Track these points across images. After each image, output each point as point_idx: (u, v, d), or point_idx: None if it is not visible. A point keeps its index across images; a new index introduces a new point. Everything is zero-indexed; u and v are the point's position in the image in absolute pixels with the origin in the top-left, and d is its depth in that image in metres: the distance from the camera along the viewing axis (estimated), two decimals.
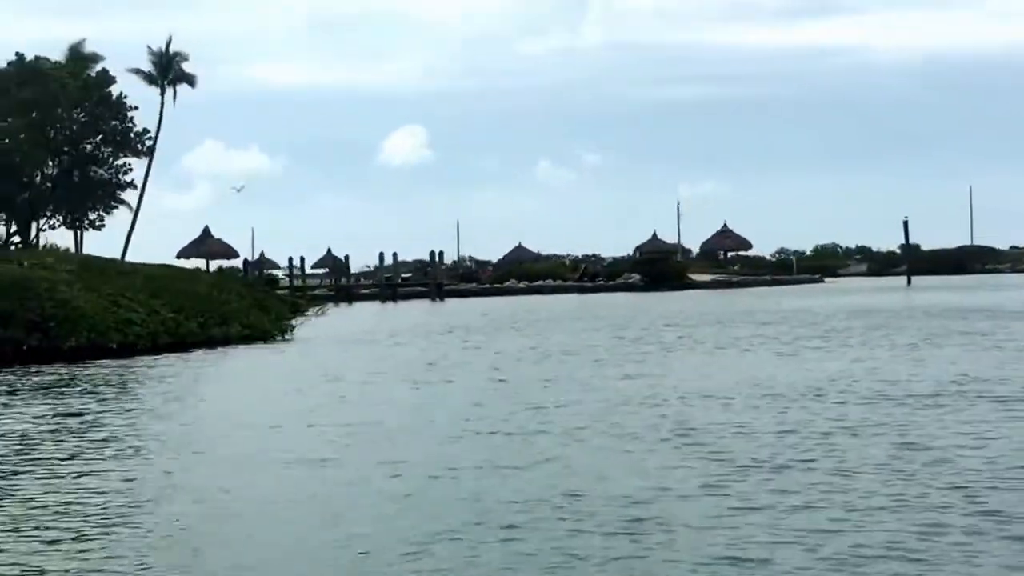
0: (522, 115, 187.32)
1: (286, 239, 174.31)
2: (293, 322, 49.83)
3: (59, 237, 71.99)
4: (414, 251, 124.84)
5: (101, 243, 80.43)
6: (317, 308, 66.91)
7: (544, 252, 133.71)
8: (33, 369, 26.29)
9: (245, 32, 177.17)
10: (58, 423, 16.46)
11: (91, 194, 69.91)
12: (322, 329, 45.56)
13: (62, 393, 20.79)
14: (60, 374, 25.04)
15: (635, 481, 11.10)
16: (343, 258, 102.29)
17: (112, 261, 49.03)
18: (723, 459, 12.16)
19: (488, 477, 11.52)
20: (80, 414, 17.45)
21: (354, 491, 11.02)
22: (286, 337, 38.22)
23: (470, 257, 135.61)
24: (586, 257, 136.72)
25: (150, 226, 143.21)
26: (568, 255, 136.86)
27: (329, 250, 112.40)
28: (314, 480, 11.65)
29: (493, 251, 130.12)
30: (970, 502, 9.77)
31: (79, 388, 21.61)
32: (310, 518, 9.97)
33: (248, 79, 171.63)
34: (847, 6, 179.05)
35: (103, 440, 14.63)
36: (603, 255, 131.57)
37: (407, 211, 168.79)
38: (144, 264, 60.76)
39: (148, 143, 71.32)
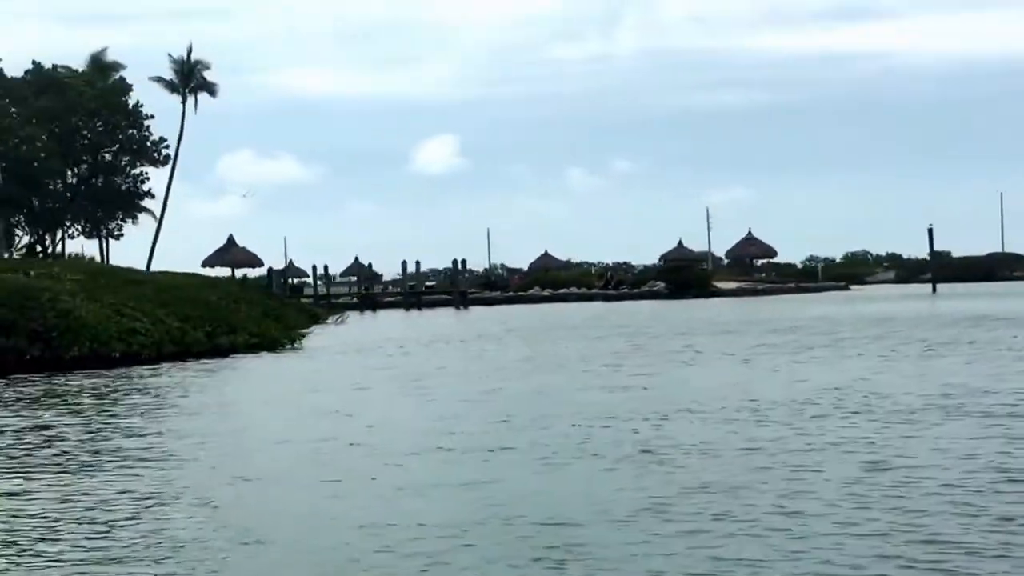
0: (554, 122, 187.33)
1: (319, 247, 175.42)
2: (310, 330, 49.93)
3: (87, 246, 72.54)
4: (447, 259, 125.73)
5: (128, 251, 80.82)
6: (337, 316, 67.32)
7: (575, 260, 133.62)
8: (26, 379, 26.09)
9: (277, 41, 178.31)
10: (15, 438, 16.13)
11: (109, 203, 70.08)
12: (336, 338, 45.47)
13: (40, 405, 20.51)
14: (50, 384, 24.84)
15: (576, 503, 10.64)
16: (367, 265, 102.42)
17: (126, 270, 49.08)
18: (676, 480, 11.69)
19: (422, 499, 11.07)
20: (45, 428, 17.14)
21: (270, 515, 10.57)
22: (294, 346, 37.88)
23: (502, 265, 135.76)
24: (617, 265, 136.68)
25: (183, 234, 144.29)
26: (599, 262, 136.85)
27: (356, 258, 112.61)
28: (234, 501, 11.21)
29: (525, 259, 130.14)
30: (914, 529, 9.21)
31: (58, 400, 21.35)
32: (212, 544, 9.57)
33: (281, 88, 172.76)
34: (876, 11, 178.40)
35: (50, 456, 14.28)
36: (634, 263, 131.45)
37: (439, 219, 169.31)
38: (165, 273, 61.33)
39: (165, 152, 71.51)
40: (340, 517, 10.38)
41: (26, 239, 69.37)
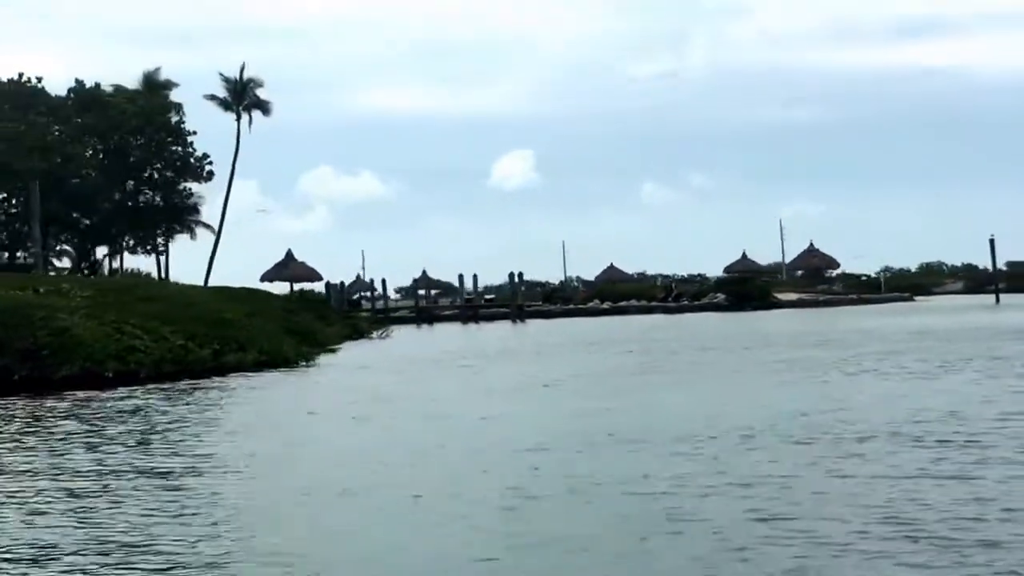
0: (627, 137, 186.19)
1: (395, 262, 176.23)
2: (340, 346, 49.03)
3: (144, 262, 72.40)
4: (525, 272, 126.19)
5: (190, 266, 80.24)
6: (381, 331, 66.49)
7: (650, 272, 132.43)
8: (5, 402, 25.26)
9: (357, 59, 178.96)
10: None
11: (152, 220, 69.77)
12: (367, 354, 44.56)
13: None
14: (16, 407, 23.97)
15: (392, 561, 9.34)
16: (423, 276, 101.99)
17: (147, 286, 48.30)
18: (527, 532, 10.11)
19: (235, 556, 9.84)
20: None
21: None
22: (308, 364, 36.85)
23: (577, 277, 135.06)
24: (691, 277, 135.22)
25: (260, 249, 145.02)
26: (674, 274, 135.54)
27: (424, 272, 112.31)
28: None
29: (599, 272, 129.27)
30: None
31: None
32: None
33: (361, 106, 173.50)
34: (943, 27, 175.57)
35: None
36: (709, 275, 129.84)
37: (515, 233, 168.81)
38: (222, 287, 60.75)
39: (209, 168, 71.14)
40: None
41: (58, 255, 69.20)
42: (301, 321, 48.66)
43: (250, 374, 32.30)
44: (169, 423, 20.40)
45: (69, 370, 29.92)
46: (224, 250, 75.04)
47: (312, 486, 13.16)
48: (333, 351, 45.44)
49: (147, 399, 25.32)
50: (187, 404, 24.14)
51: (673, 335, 48.88)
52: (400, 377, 30.29)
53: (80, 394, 26.70)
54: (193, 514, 11.69)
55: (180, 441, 17.84)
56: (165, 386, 28.50)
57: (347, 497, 12.49)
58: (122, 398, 25.62)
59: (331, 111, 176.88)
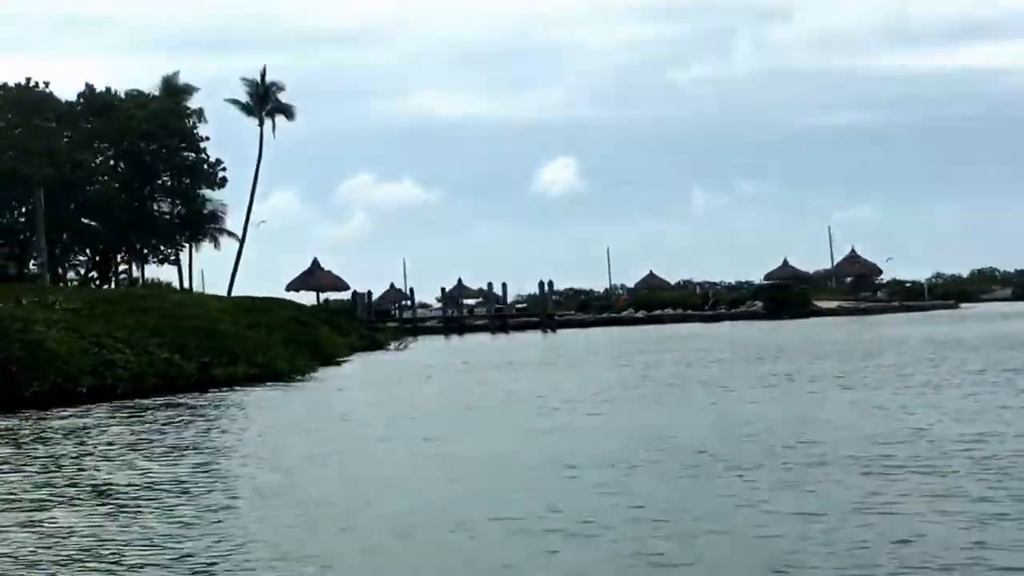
0: (672, 144, 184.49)
1: (437, 270, 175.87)
2: (348, 359, 47.73)
3: (166, 272, 71.65)
4: (567, 280, 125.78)
5: (223, 275, 79.00)
6: (399, 342, 65.37)
7: (697, 280, 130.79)
8: None
9: (399, 65, 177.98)
10: None
11: (168, 228, 68.74)
12: (374, 366, 43.49)
13: None
14: None
15: None
16: (457, 287, 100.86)
17: (142, 297, 46.87)
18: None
19: None
20: None
21: None
22: (303, 378, 35.50)
23: (622, 285, 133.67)
24: (738, 284, 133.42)
25: (299, 256, 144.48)
26: (721, 282, 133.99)
27: (460, 280, 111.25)
28: None
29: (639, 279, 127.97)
30: None
31: None
32: None
33: (402, 111, 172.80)
34: (996, 29, 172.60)
35: None
36: (755, 282, 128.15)
37: (560, 241, 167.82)
38: (244, 297, 59.64)
39: (222, 174, 69.90)
40: None
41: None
42: (308, 332, 47.35)
43: (235, 389, 31.04)
44: (95, 446, 18.97)
45: (39, 386, 28.66)
46: (259, 258, 74.54)
47: (170, 524, 11.71)
48: (339, 363, 44.20)
49: (99, 418, 23.99)
50: (137, 424, 22.77)
51: (698, 345, 47.42)
52: (374, 394, 28.96)
53: (36, 412, 25.43)
54: (26, 555, 10.39)
55: (88, 468, 16.44)
56: (130, 404, 27.16)
57: (200, 538, 11.02)
58: (70, 417, 24.30)
59: (372, 117, 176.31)
